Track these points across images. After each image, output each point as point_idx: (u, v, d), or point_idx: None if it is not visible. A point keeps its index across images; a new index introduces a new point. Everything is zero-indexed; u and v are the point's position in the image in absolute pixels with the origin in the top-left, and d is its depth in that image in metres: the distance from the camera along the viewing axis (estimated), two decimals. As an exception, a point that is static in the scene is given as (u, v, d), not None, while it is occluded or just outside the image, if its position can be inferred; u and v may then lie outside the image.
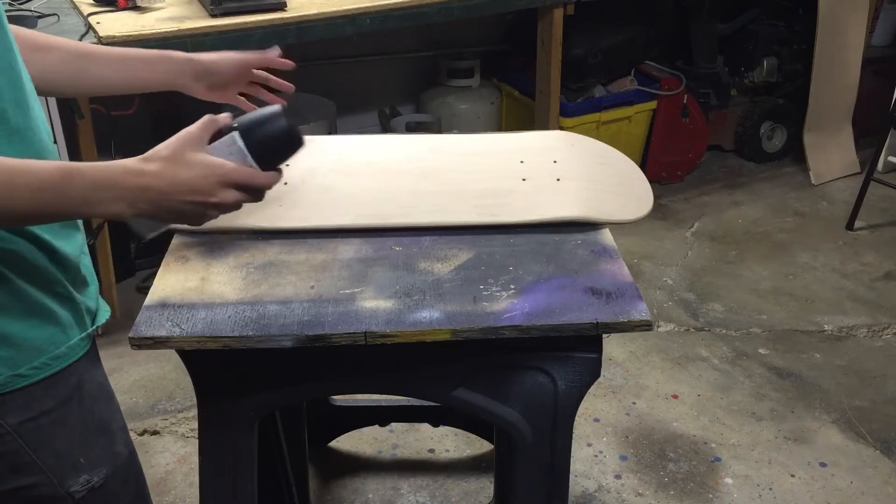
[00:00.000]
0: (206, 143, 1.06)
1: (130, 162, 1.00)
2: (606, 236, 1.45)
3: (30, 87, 1.03)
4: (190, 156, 1.03)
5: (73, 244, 1.08)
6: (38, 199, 0.91)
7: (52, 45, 1.22)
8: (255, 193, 1.10)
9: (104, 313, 1.19)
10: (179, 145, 1.03)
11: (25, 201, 0.90)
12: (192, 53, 1.38)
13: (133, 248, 3.03)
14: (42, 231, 1.01)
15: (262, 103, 1.41)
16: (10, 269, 0.99)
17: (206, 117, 1.08)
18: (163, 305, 1.25)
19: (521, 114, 3.56)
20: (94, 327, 1.15)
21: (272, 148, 1.11)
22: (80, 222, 1.10)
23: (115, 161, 0.99)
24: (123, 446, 1.18)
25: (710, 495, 2.15)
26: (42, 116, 1.05)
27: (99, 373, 1.17)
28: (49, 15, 2.53)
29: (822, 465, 2.25)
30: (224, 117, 1.10)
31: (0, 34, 0.97)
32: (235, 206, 1.08)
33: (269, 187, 1.11)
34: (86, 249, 1.12)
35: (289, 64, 1.43)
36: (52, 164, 0.94)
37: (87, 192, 0.94)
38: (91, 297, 1.14)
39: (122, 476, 1.18)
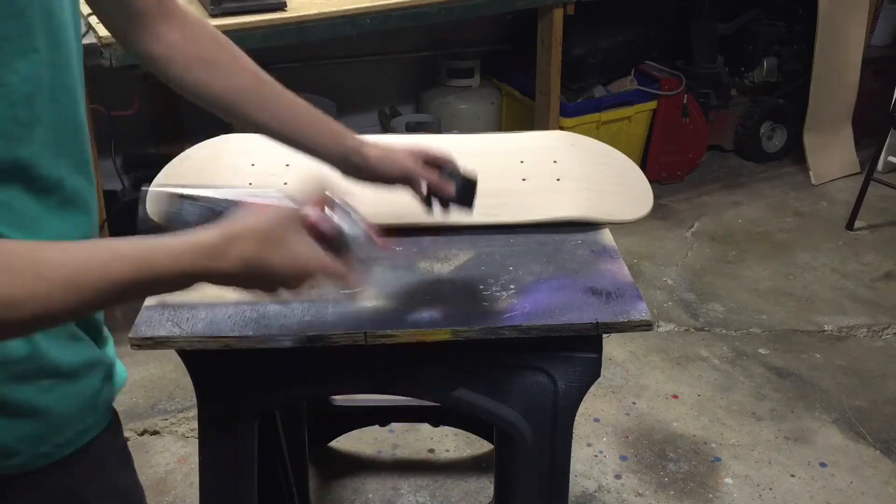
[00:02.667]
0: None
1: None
2: (606, 236, 1.45)
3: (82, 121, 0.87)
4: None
5: None
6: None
7: (240, 65, 1.10)
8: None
9: (122, 375, 1.02)
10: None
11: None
12: (364, 139, 1.22)
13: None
14: None
15: None
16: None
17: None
18: (163, 305, 1.25)
19: (521, 114, 3.56)
20: (117, 389, 0.99)
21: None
22: None
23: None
24: None
25: (710, 495, 2.15)
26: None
27: (120, 441, 1.00)
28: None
29: (822, 465, 2.25)
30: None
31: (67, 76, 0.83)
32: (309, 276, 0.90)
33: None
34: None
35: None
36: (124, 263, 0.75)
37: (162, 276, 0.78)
38: (110, 356, 1.00)
39: None
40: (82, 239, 0.86)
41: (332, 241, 0.91)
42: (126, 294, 0.75)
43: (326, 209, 0.92)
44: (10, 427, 0.85)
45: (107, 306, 0.78)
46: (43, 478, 0.88)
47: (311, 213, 0.89)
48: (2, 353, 0.82)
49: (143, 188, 0.96)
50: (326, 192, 0.93)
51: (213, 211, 0.90)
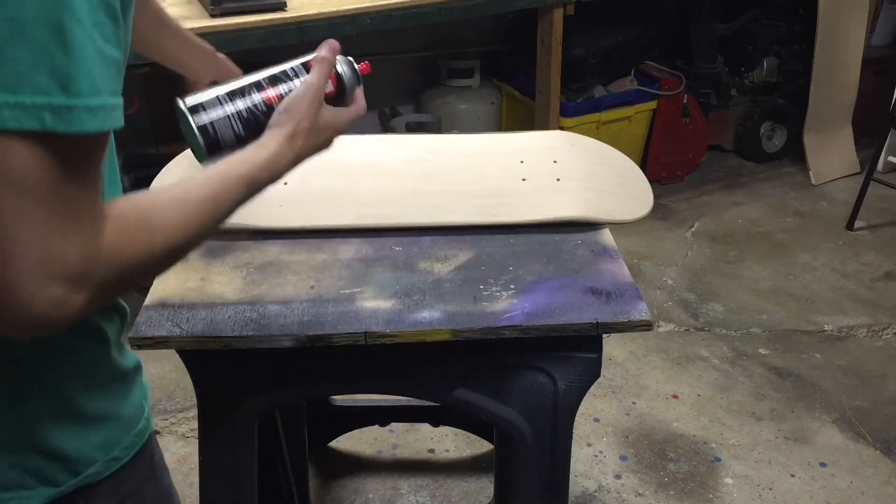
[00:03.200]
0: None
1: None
2: (606, 236, 1.45)
3: None
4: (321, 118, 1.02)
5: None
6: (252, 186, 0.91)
7: (148, 5, 1.21)
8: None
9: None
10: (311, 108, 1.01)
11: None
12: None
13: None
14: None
15: None
16: (107, 328, 0.88)
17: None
18: (163, 305, 1.26)
19: (521, 114, 3.56)
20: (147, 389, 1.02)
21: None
22: None
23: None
24: None
25: (710, 495, 2.15)
26: None
27: (156, 440, 1.03)
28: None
29: (822, 465, 2.25)
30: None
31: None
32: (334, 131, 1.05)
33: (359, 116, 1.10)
34: None
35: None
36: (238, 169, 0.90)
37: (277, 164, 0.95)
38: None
39: None
40: None
41: (344, 95, 1.08)
42: (239, 205, 0.89)
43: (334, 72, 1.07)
44: (89, 436, 0.87)
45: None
46: (114, 483, 0.90)
47: (324, 84, 1.04)
48: (81, 359, 0.85)
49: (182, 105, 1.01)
50: (325, 56, 1.06)
51: (251, 112, 1.03)
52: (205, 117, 1.00)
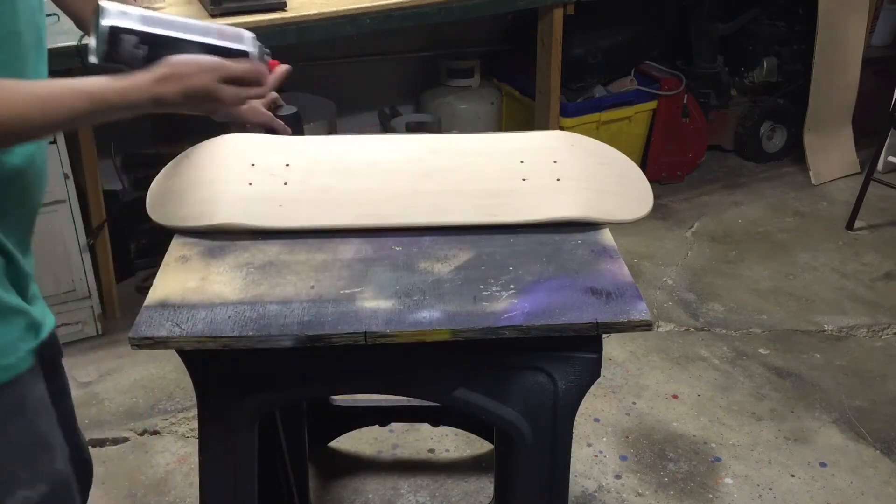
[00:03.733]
0: None
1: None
2: (606, 236, 1.45)
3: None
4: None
5: (30, 264, 1.13)
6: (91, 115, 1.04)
7: None
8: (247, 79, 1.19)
9: (50, 324, 1.17)
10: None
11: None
12: None
13: (133, 248, 3.03)
14: (10, 245, 1.05)
15: None
16: None
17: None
18: (163, 305, 1.25)
19: (521, 114, 3.56)
20: (40, 341, 1.12)
21: None
22: (32, 246, 1.14)
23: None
24: (64, 465, 1.14)
25: (710, 495, 2.15)
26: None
27: (40, 388, 1.13)
28: (49, 15, 2.51)
29: (822, 465, 2.25)
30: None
31: None
32: (213, 83, 1.15)
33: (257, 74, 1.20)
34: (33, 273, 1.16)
35: None
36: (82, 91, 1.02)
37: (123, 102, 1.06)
38: (39, 312, 1.14)
39: (63, 494, 1.15)
40: None
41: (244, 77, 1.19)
42: (86, 119, 1.05)
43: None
44: None
45: (73, 128, 1.03)
46: None
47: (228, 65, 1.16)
48: None
49: (103, 24, 1.10)
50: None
51: (155, 46, 1.12)
52: (118, 21, 1.09)
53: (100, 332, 2.71)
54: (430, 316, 1.23)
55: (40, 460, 1.09)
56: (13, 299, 1.06)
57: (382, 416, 2.24)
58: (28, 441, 1.08)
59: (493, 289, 1.29)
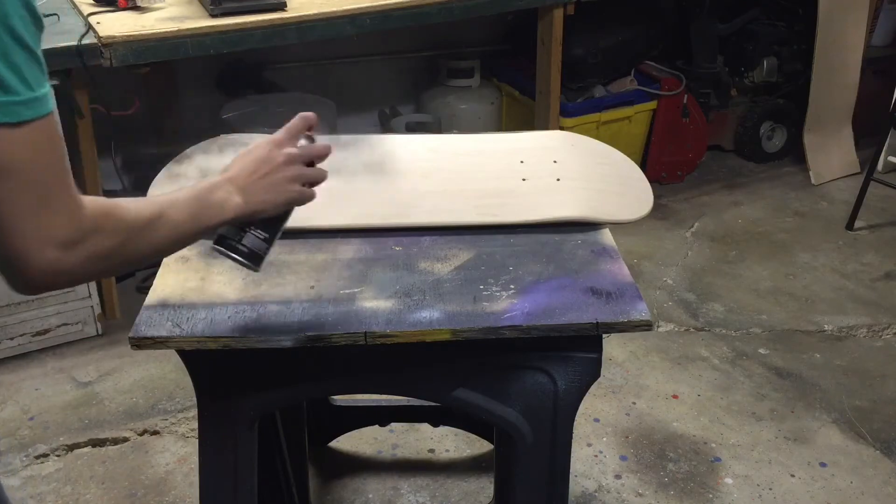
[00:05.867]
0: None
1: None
2: (606, 236, 1.45)
3: None
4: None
5: None
6: (195, 218, 1.05)
7: None
8: (311, 163, 1.18)
9: None
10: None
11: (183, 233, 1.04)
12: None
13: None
14: None
15: None
16: None
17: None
18: (163, 305, 1.25)
19: (521, 114, 3.56)
20: None
21: None
22: None
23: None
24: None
25: (710, 495, 2.15)
26: None
27: None
28: (49, 15, 2.53)
29: (822, 465, 2.25)
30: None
31: None
32: (300, 175, 1.15)
33: (325, 154, 1.19)
34: None
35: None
36: (184, 191, 1.06)
37: (213, 198, 1.07)
38: None
39: None
40: None
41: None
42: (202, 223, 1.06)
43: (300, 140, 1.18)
44: None
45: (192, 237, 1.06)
46: None
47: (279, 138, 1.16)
48: None
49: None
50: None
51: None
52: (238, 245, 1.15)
53: (100, 332, 2.71)
54: (430, 316, 1.23)
55: None
56: None
57: (382, 416, 2.24)
58: None
59: (493, 289, 1.29)
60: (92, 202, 0.88)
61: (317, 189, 1.17)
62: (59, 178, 0.83)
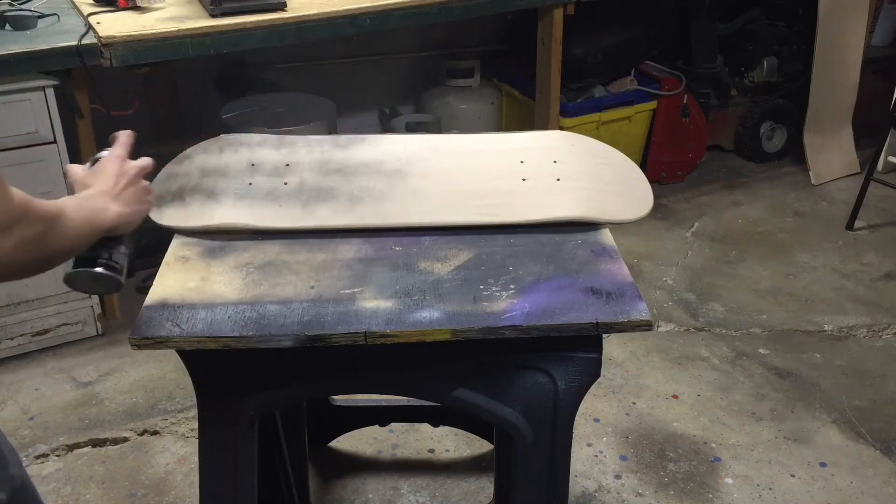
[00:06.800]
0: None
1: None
2: (606, 236, 1.45)
3: None
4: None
5: None
6: (88, 221, 1.10)
7: None
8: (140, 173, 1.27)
9: None
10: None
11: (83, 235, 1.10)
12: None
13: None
14: None
15: None
16: None
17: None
18: (163, 305, 1.25)
19: (521, 114, 3.56)
20: None
21: None
22: None
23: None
24: (17, 469, 1.13)
25: (710, 495, 2.15)
26: None
27: None
28: (49, 15, 2.53)
29: (822, 465, 2.25)
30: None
31: None
32: (147, 186, 1.27)
33: (152, 169, 1.32)
34: None
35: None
36: (65, 199, 1.10)
37: (95, 204, 1.14)
38: None
39: (20, 500, 1.13)
40: None
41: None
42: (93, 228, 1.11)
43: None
44: None
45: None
46: None
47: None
48: None
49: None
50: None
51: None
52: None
53: (100, 332, 2.71)
54: (430, 316, 1.23)
55: None
56: None
57: (382, 416, 2.24)
58: None
59: (493, 289, 1.29)
60: (16, 191, 0.92)
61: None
62: None
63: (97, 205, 1.14)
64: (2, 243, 0.89)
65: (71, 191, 1.23)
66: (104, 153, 1.30)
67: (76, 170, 1.27)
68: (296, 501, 1.93)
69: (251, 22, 2.49)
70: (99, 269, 1.17)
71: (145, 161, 1.30)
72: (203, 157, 1.55)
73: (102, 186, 1.19)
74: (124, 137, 1.30)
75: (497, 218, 1.45)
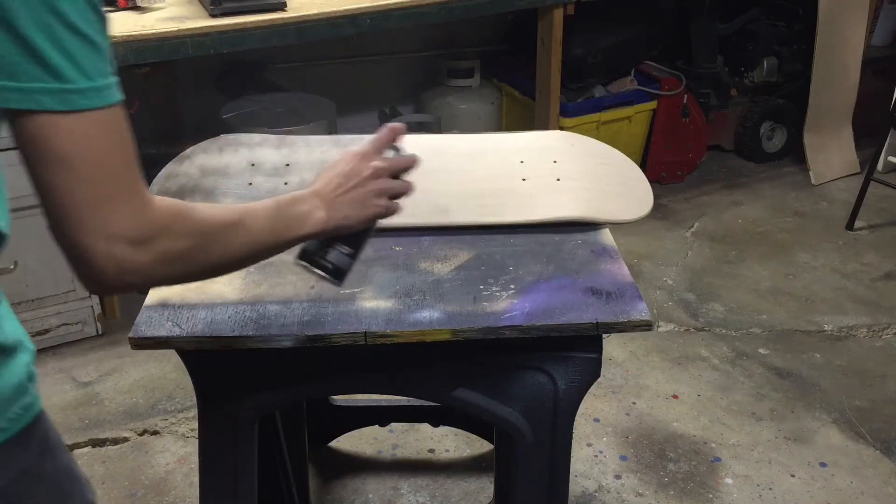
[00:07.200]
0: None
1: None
2: (606, 236, 1.45)
3: None
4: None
5: None
6: (274, 229, 1.01)
7: None
8: (396, 175, 1.15)
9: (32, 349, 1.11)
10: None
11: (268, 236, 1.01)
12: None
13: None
14: None
15: None
16: None
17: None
18: (163, 305, 1.25)
19: (521, 114, 3.56)
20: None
21: None
22: None
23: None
24: (92, 495, 1.11)
25: (710, 495, 2.15)
26: None
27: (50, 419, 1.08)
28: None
29: (822, 465, 2.25)
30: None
31: None
32: (386, 188, 1.12)
33: (411, 165, 1.16)
34: None
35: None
36: (264, 202, 1.02)
37: (295, 210, 1.04)
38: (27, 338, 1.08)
39: None
40: None
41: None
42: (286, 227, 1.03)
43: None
44: None
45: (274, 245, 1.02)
46: (5, 456, 0.92)
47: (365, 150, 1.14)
48: None
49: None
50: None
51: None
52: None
53: (100, 332, 2.71)
54: (430, 316, 1.23)
55: (76, 494, 1.05)
56: (18, 329, 0.97)
57: (382, 416, 2.24)
58: (61, 477, 1.03)
59: (493, 289, 1.29)
60: (164, 202, 0.86)
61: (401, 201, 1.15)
62: (121, 174, 0.80)
63: (298, 211, 1.04)
64: (139, 256, 0.82)
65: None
66: (398, 146, 1.19)
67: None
68: (296, 501, 1.93)
69: (251, 22, 2.49)
70: (304, 263, 1.12)
71: (404, 159, 1.16)
72: (203, 157, 1.56)
73: (320, 187, 1.09)
74: (383, 132, 1.16)
75: (497, 218, 1.46)
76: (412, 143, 1.64)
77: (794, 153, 3.92)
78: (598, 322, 1.23)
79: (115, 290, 0.85)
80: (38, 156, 0.77)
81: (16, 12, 0.73)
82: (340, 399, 2.22)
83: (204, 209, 0.92)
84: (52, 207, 0.79)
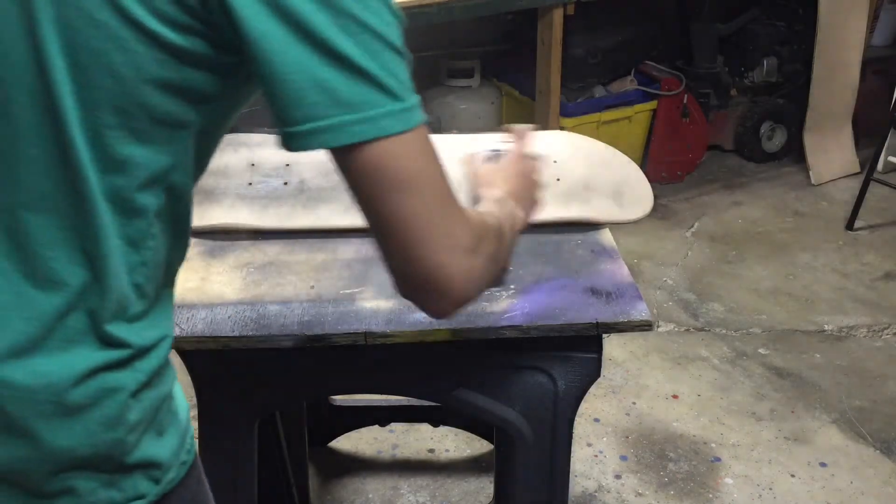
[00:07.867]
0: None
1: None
2: (606, 236, 1.45)
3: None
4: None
5: None
6: (513, 229, 1.02)
7: None
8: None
9: None
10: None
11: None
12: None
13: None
14: None
15: None
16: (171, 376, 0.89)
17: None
18: (163, 305, 1.25)
19: (521, 114, 3.56)
20: None
21: None
22: None
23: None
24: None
25: (710, 495, 2.15)
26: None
27: None
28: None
29: (822, 465, 2.25)
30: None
31: None
32: (539, 186, 1.20)
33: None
34: None
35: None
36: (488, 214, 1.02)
37: (512, 211, 1.05)
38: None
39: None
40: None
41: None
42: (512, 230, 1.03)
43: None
44: (167, 441, 0.86)
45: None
46: (182, 490, 0.89)
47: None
48: (160, 359, 0.84)
49: None
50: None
51: None
52: None
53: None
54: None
55: None
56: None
57: (382, 416, 2.24)
58: (210, 498, 0.99)
59: (493, 289, 1.29)
60: (469, 210, 0.85)
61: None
62: (448, 184, 0.79)
63: (513, 212, 1.05)
64: (476, 262, 0.80)
65: (469, 182, 1.17)
66: (500, 147, 1.22)
67: (477, 162, 1.21)
68: (296, 501, 1.93)
69: (251, 22, 2.49)
70: None
71: (540, 160, 1.22)
72: (203, 157, 1.55)
73: (510, 188, 1.11)
74: (525, 132, 1.19)
75: (497, 218, 1.45)
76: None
77: (794, 153, 3.92)
78: (598, 322, 1.23)
79: (460, 305, 0.82)
80: (381, 184, 0.75)
81: (335, 39, 0.72)
82: (340, 399, 2.22)
83: (477, 212, 0.91)
84: (397, 234, 0.77)
